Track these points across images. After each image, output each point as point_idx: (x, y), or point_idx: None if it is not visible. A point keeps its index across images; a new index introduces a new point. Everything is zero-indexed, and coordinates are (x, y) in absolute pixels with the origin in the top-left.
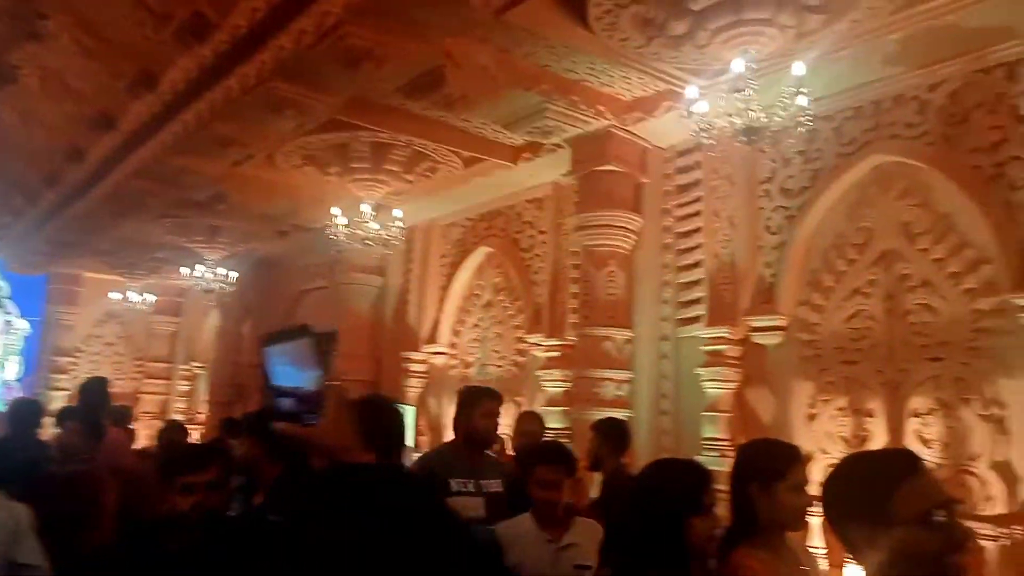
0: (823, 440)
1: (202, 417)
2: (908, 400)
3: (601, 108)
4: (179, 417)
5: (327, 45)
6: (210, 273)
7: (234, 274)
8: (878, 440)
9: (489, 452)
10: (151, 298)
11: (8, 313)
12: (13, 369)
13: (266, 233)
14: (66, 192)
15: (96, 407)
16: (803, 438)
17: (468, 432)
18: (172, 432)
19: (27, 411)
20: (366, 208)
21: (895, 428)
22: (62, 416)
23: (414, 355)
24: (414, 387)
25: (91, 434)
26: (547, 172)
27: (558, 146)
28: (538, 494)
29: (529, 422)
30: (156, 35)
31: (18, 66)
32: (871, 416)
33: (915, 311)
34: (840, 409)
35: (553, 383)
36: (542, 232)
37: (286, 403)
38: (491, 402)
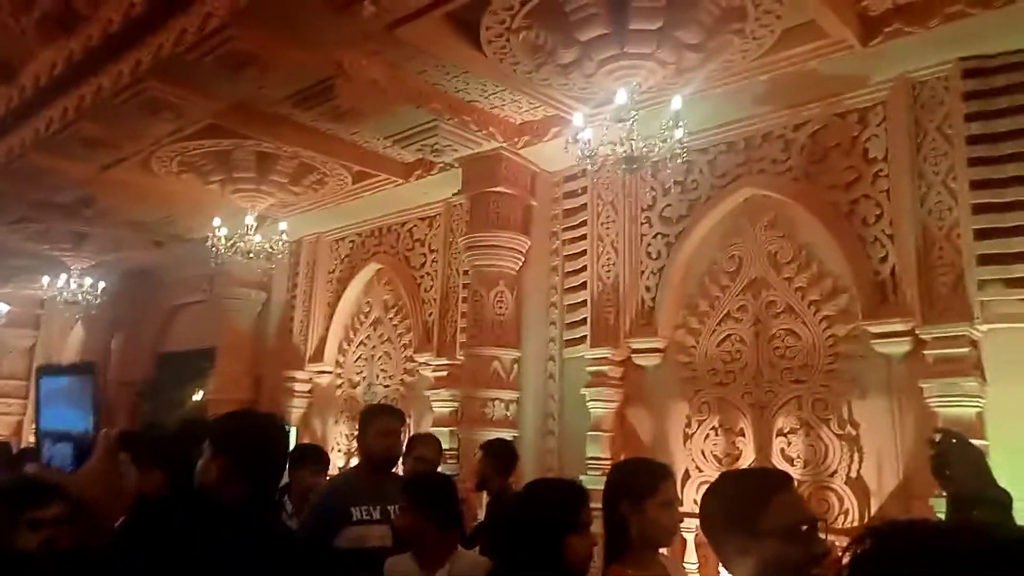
0: (698, 458)
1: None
2: (774, 420)
3: (492, 130)
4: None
5: (209, 47)
6: (74, 283)
7: (102, 284)
8: (748, 458)
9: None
10: (4, 308)
11: None
12: None
13: (139, 242)
14: None
15: None
16: (680, 457)
17: (367, 454)
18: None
19: None
20: (249, 220)
21: (763, 447)
22: None
23: (298, 374)
24: (297, 407)
25: None
26: (439, 190)
27: (450, 165)
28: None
29: (424, 446)
30: (15, 22)
31: None
32: (742, 435)
33: (780, 336)
34: (713, 428)
35: (441, 403)
36: (433, 250)
37: (59, 452)
38: (389, 421)
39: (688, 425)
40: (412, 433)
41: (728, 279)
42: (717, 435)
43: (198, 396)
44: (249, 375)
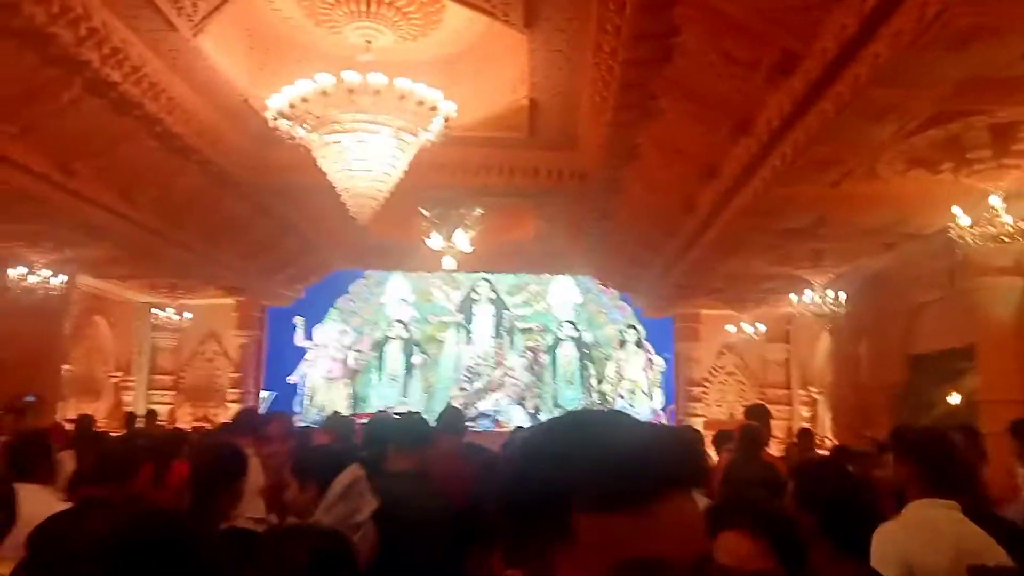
0: None
1: (828, 443)
2: None
3: None
4: None
5: (929, 37)
6: (819, 297)
7: (843, 294)
8: None
9: None
10: (762, 328)
11: (648, 352)
12: (659, 399)
13: (871, 248)
14: (682, 241)
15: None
16: None
17: None
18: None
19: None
20: (995, 200)
21: None
22: None
23: None
24: None
25: None
26: None
27: None
28: None
29: None
30: (746, 83)
31: (639, 143)
32: None
33: None
34: None
35: None
36: None
37: None
38: None
39: None
40: None
41: None
42: None
43: (953, 398)
44: (1019, 372)
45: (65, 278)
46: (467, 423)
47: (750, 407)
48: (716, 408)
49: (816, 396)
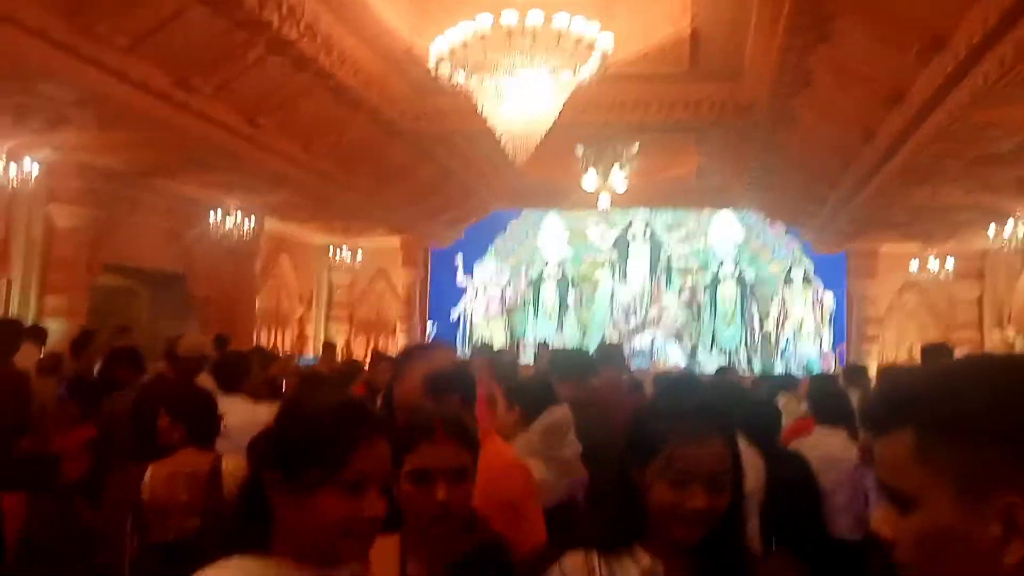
0: None
1: None
2: None
3: None
4: None
5: None
6: (1022, 228)
7: None
8: None
9: None
10: (951, 263)
11: (816, 290)
12: (827, 338)
13: None
14: (862, 172)
15: None
16: None
17: None
18: None
19: None
20: None
21: None
22: None
23: None
24: None
25: None
26: None
27: None
28: None
29: None
30: None
31: (812, 69)
32: None
33: None
34: None
35: None
36: None
37: None
38: None
39: None
40: None
41: None
42: None
43: None
44: None
45: (254, 222)
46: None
47: (926, 347)
48: (894, 348)
49: (1014, 339)
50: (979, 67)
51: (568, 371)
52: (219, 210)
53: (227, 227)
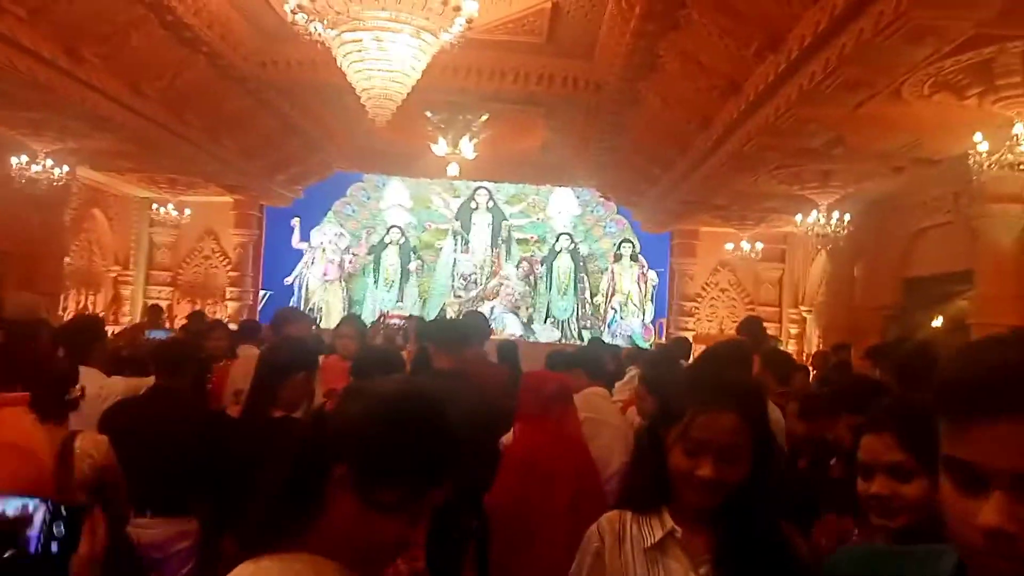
0: None
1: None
2: None
3: None
4: None
5: None
6: (823, 218)
7: (847, 216)
8: None
9: None
10: (759, 246)
11: (642, 267)
12: (650, 313)
13: (881, 171)
14: (694, 158)
15: None
16: None
17: None
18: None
19: None
20: (1020, 129)
21: None
22: None
23: None
24: None
25: None
26: None
27: None
28: None
29: None
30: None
31: (661, 55)
32: None
33: None
34: None
35: None
36: None
37: None
38: None
39: None
40: None
41: None
42: None
43: (937, 321)
44: (1018, 296)
45: (67, 169)
46: None
47: (743, 321)
48: (707, 323)
49: (806, 315)
50: (807, 67)
51: (445, 342)
52: (23, 156)
53: (32, 173)
